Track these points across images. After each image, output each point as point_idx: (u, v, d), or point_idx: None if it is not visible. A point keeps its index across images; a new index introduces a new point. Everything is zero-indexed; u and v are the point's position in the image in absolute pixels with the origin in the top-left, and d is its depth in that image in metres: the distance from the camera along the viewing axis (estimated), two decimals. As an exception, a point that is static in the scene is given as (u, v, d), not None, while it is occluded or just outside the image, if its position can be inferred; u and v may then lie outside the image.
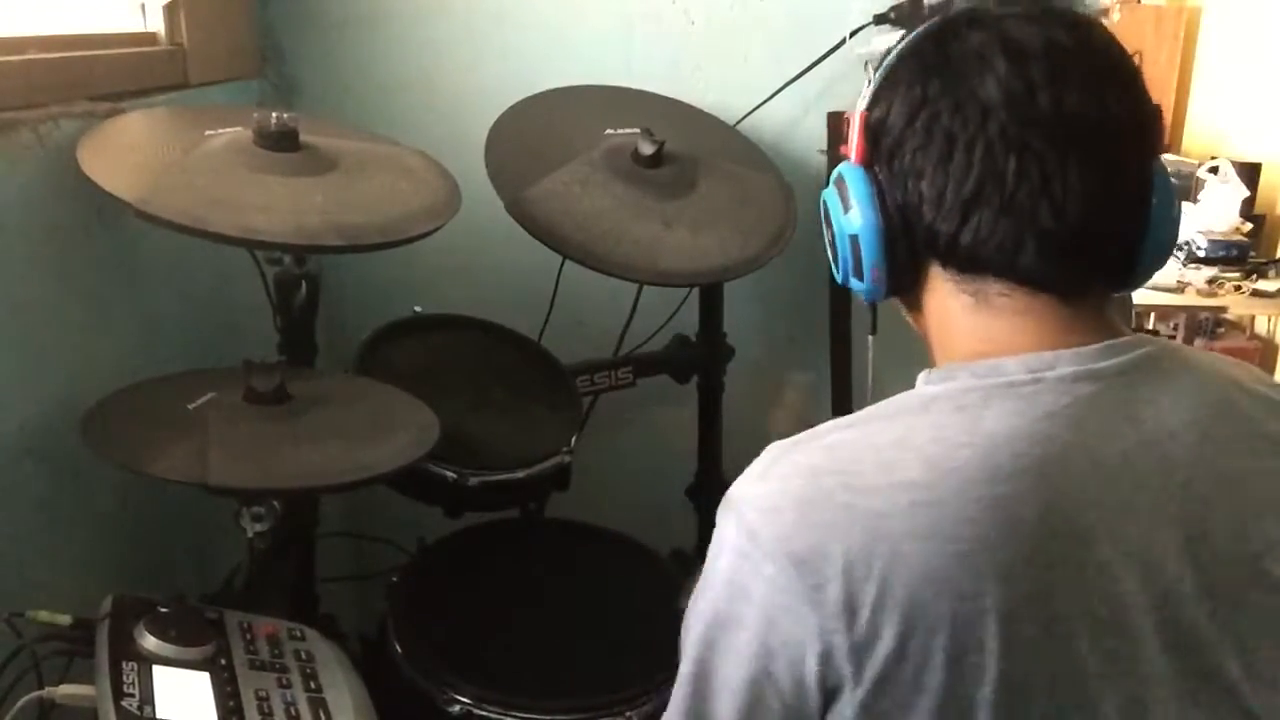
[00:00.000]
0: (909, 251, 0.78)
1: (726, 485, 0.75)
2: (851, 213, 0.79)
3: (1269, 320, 3.93)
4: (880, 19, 1.68)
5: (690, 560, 1.76)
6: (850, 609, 0.66)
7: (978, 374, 0.73)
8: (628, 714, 1.21)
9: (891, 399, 0.76)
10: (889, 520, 0.67)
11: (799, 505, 0.69)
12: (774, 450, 0.75)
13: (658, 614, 1.41)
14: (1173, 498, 0.70)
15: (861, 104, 0.80)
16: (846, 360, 1.89)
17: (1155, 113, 0.75)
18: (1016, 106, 0.72)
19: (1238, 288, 3.59)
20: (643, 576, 1.48)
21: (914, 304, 0.82)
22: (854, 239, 0.79)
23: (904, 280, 0.80)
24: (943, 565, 0.65)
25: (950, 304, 0.78)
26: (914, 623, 0.65)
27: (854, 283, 0.82)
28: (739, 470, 0.76)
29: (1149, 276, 0.78)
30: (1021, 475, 0.67)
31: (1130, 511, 0.69)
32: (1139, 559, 0.69)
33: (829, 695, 0.68)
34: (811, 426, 0.77)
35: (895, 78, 0.78)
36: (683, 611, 0.79)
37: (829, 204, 0.83)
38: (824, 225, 0.85)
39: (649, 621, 1.40)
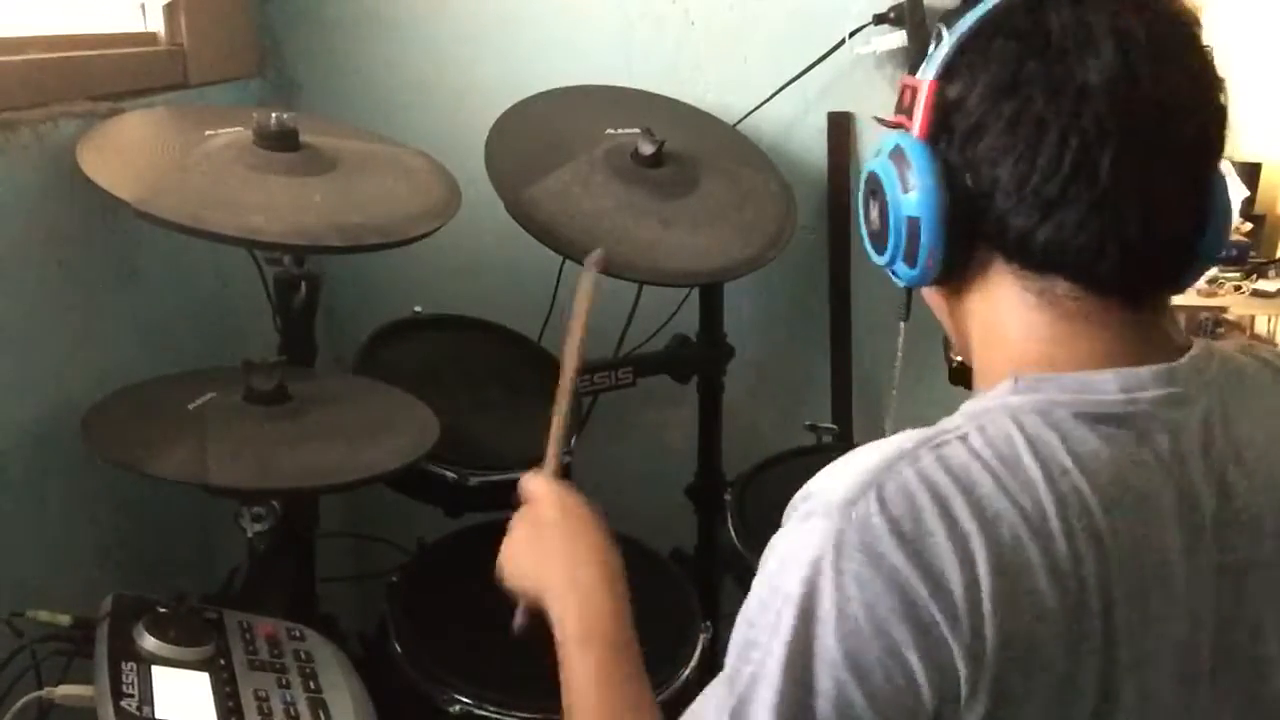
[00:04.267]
0: (969, 240, 0.72)
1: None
2: (912, 193, 0.71)
3: (1269, 320, 3.93)
4: (880, 19, 1.68)
5: (690, 560, 1.76)
6: (973, 649, 0.62)
7: (1066, 388, 0.68)
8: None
9: (979, 402, 0.71)
10: (1011, 553, 0.63)
11: (922, 524, 0.64)
12: (874, 458, 0.67)
13: (658, 614, 1.41)
14: (1242, 525, 0.70)
15: (930, 72, 0.72)
16: (847, 360, 1.89)
17: (1227, 115, 0.71)
18: (1119, 97, 0.66)
19: (1238, 288, 3.58)
20: (643, 576, 1.48)
21: (956, 295, 0.76)
22: (912, 221, 0.72)
23: (954, 269, 0.74)
24: (1055, 605, 0.63)
25: (1010, 300, 0.72)
26: (1029, 666, 0.63)
27: (900, 267, 0.75)
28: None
29: (1194, 281, 0.76)
30: (1121, 509, 0.65)
31: (1198, 551, 0.68)
32: (1210, 591, 0.69)
33: None
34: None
35: (979, 49, 0.70)
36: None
37: (882, 178, 0.74)
38: (866, 199, 0.78)
39: (649, 621, 1.40)
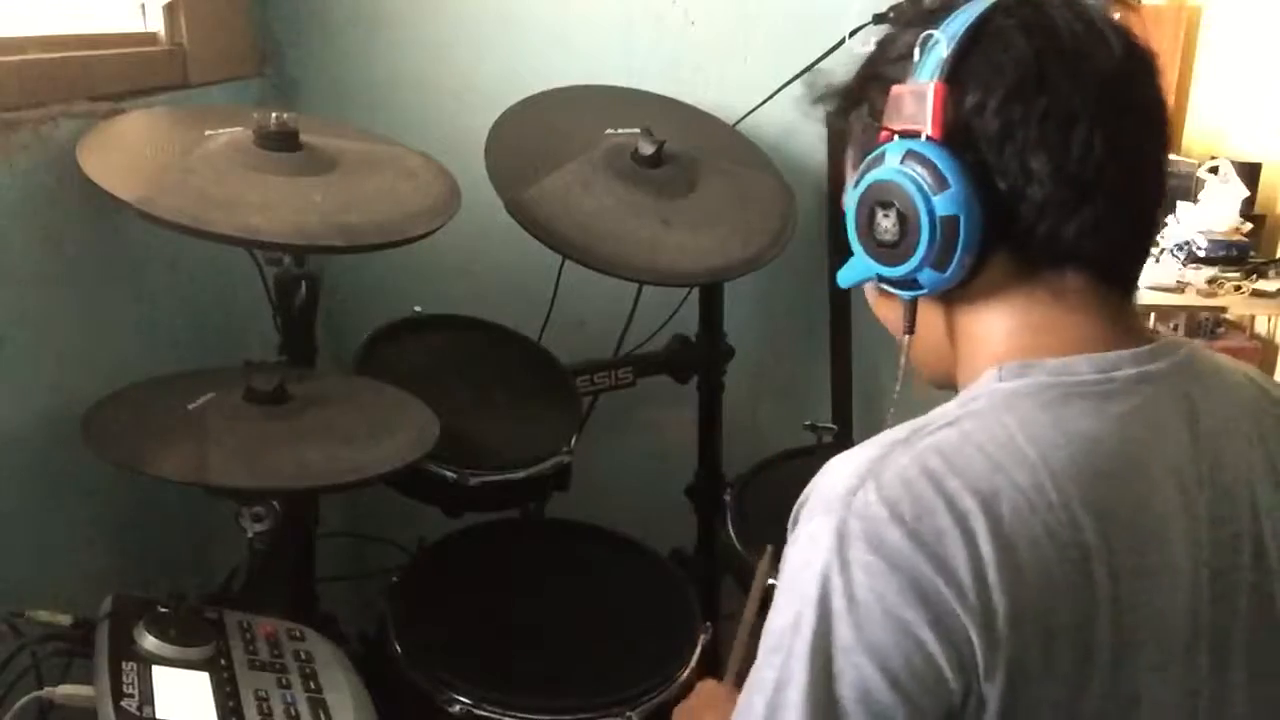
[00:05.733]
0: (988, 243, 0.71)
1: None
2: (947, 193, 0.70)
3: (1269, 320, 3.93)
4: (880, 18, 1.67)
5: (690, 560, 1.76)
6: (984, 620, 0.63)
7: (1051, 371, 0.71)
8: (628, 714, 1.21)
9: (969, 395, 0.72)
10: (1008, 526, 0.64)
11: (923, 507, 0.65)
12: (867, 454, 0.69)
13: (658, 614, 1.41)
14: (1223, 495, 0.72)
15: (929, 75, 0.71)
16: (846, 360, 1.89)
17: None
18: (1126, 86, 0.70)
19: (1238, 288, 3.58)
20: (643, 576, 1.48)
21: (958, 299, 0.76)
22: (950, 221, 0.70)
23: (971, 273, 0.73)
24: (1060, 572, 0.65)
25: (1010, 297, 0.73)
26: (1043, 633, 0.64)
27: (927, 273, 0.73)
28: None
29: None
30: (1115, 477, 0.68)
31: (1193, 510, 0.70)
32: (1206, 562, 0.70)
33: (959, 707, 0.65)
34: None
35: (992, 50, 0.70)
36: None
37: (901, 184, 0.72)
38: (870, 211, 0.75)
39: (649, 621, 1.41)
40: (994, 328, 0.75)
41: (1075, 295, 0.72)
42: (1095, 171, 0.69)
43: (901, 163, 0.72)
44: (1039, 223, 0.70)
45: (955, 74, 0.70)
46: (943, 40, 0.71)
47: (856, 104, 0.80)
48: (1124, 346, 0.72)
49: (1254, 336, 3.98)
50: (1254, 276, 3.64)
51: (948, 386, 0.80)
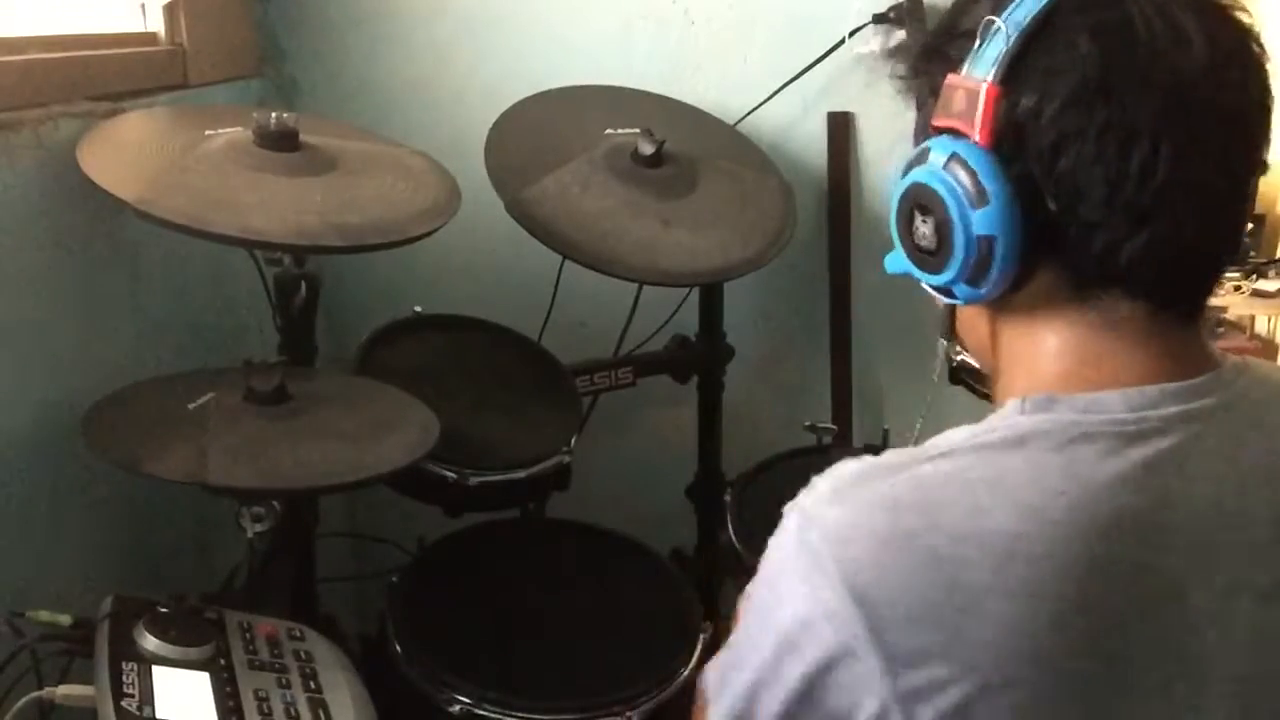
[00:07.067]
0: (1037, 258, 0.66)
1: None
2: (986, 209, 0.64)
3: (1269, 320, 3.93)
4: (880, 19, 1.68)
5: (690, 560, 1.76)
6: (910, 660, 0.60)
7: (1077, 408, 0.65)
8: (628, 714, 1.21)
9: (986, 425, 0.67)
10: (973, 571, 0.60)
11: (875, 540, 0.62)
12: (855, 469, 0.66)
13: (658, 614, 1.41)
14: (1257, 546, 0.66)
15: (984, 71, 0.65)
16: (846, 360, 1.89)
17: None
18: (1208, 98, 0.62)
19: (1238, 288, 3.58)
20: (643, 576, 1.48)
21: (999, 312, 0.72)
22: (986, 240, 0.65)
23: (1012, 288, 0.68)
24: (1031, 626, 0.60)
25: (1060, 319, 0.68)
26: (985, 682, 0.60)
27: (961, 287, 0.69)
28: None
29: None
30: (1120, 531, 0.62)
31: (1216, 561, 0.64)
32: (1220, 614, 0.64)
33: None
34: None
35: (1055, 48, 0.63)
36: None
37: (940, 191, 0.67)
38: (909, 213, 0.71)
39: (649, 621, 1.40)
40: (1036, 347, 0.69)
41: (1128, 322, 0.66)
42: (1155, 195, 0.62)
43: (945, 166, 0.67)
44: (1088, 246, 0.64)
45: (1012, 72, 0.64)
46: (1004, 29, 0.64)
47: (918, 75, 0.73)
48: (1173, 379, 0.65)
49: (1254, 336, 3.98)
50: (1254, 276, 3.64)
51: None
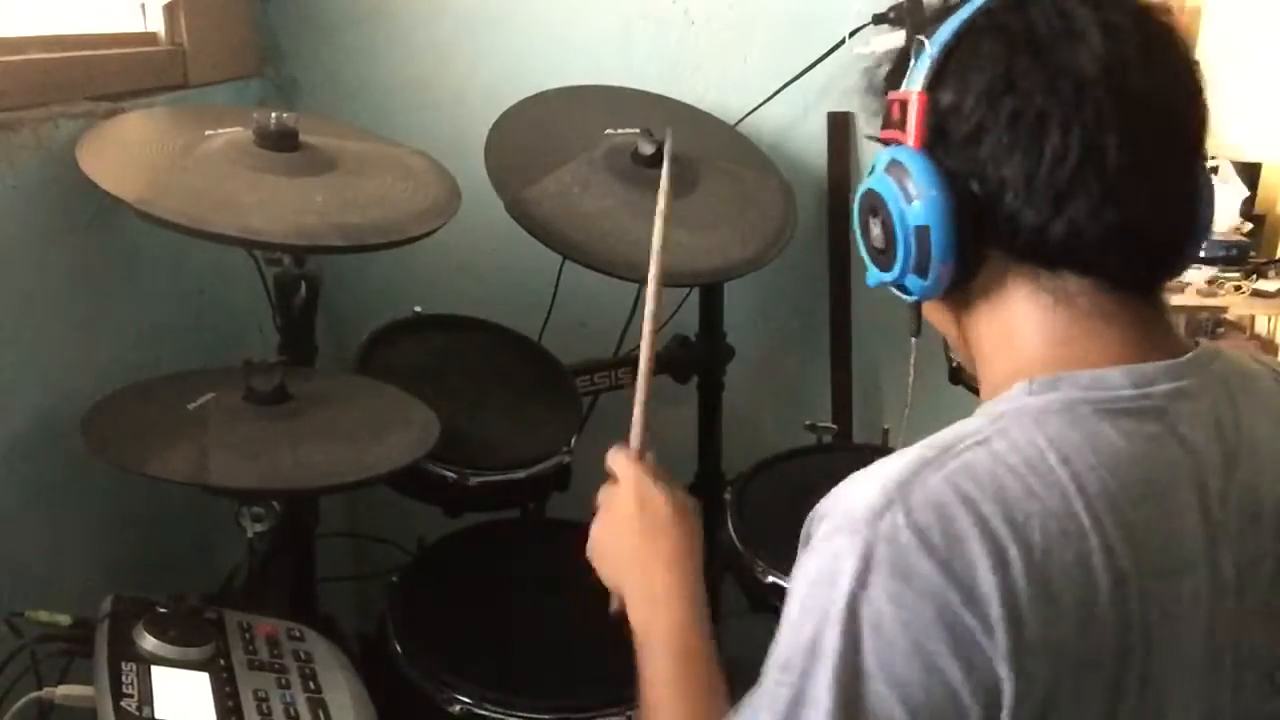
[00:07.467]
0: (979, 247, 0.72)
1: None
2: (917, 201, 0.71)
3: (1269, 320, 3.93)
4: (880, 19, 1.68)
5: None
6: (1015, 656, 0.62)
7: (1083, 386, 0.69)
8: (628, 714, 1.21)
9: (992, 409, 0.70)
10: (1045, 555, 0.63)
11: (954, 537, 0.63)
12: (896, 469, 0.67)
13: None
14: (1249, 519, 0.70)
15: (916, 83, 0.72)
16: (846, 360, 1.89)
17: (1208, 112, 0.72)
18: (1115, 85, 0.67)
19: (1238, 288, 3.59)
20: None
21: (964, 306, 0.77)
22: (921, 231, 0.72)
23: (964, 278, 0.74)
24: (1095, 603, 0.63)
25: (1022, 305, 0.73)
26: (1075, 666, 0.63)
27: (911, 280, 0.75)
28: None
29: (1184, 270, 0.77)
30: (1147, 501, 0.66)
31: (1218, 535, 0.69)
32: (1227, 587, 0.69)
33: None
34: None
35: (966, 53, 0.71)
36: None
37: (882, 193, 0.74)
38: (865, 219, 0.78)
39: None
40: (1007, 334, 0.74)
41: (1083, 298, 0.71)
42: (1071, 175, 0.67)
43: (886, 170, 0.74)
44: (1019, 227, 0.69)
45: (936, 80, 0.71)
46: (927, 47, 0.72)
47: (876, 114, 0.81)
48: (1159, 357, 0.70)
49: (1254, 336, 3.98)
50: (1254, 276, 3.65)
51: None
